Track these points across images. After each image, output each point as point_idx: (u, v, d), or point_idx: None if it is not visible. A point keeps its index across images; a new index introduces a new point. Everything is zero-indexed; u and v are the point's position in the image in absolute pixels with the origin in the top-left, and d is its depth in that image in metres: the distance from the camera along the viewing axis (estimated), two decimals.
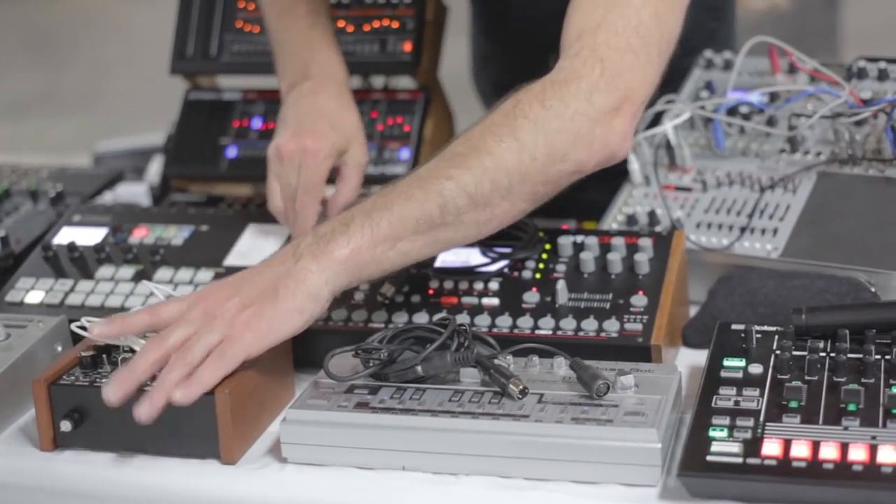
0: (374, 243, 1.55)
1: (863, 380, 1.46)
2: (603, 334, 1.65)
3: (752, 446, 1.36)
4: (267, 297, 1.53)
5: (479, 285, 1.75)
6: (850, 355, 1.50)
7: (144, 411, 1.45)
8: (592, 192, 2.07)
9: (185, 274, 1.85)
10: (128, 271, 1.87)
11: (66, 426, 1.52)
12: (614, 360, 1.54)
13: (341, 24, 2.20)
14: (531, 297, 1.71)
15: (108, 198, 2.21)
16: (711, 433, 1.39)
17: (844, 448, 1.34)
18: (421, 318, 1.71)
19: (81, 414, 1.53)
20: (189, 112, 2.28)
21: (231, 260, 1.87)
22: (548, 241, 1.80)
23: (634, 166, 1.98)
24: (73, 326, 1.62)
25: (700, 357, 1.62)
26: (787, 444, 1.36)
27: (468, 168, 1.58)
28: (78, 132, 6.32)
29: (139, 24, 7.85)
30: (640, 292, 1.69)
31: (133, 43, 7.72)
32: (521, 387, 1.47)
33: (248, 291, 1.54)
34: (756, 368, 1.51)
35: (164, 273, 1.86)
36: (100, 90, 7.36)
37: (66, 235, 1.96)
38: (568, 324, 1.66)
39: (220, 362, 1.49)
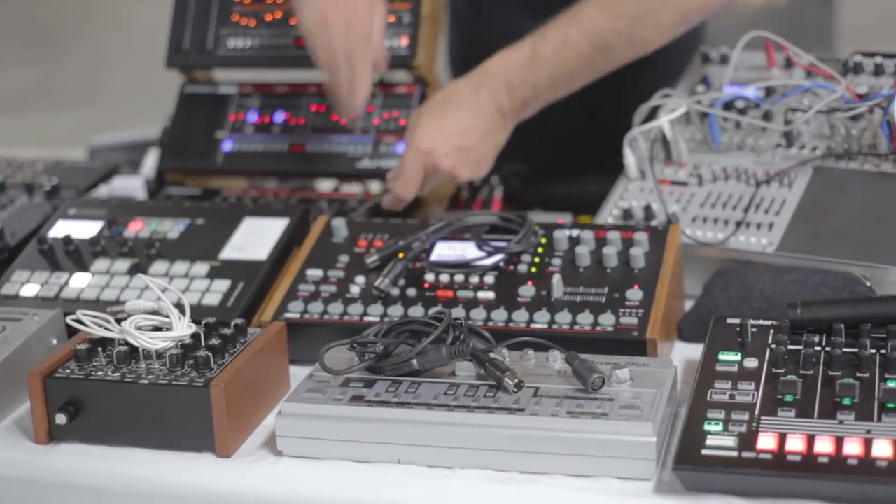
0: (556, 91, 1.98)
1: (858, 374, 1.46)
2: (598, 328, 1.64)
3: (747, 440, 1.37)
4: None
5: (474, 279, 1.75)
6: (845, 349, 1.50)
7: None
8: (588, 186, 2.08)
9: (180, 267, 1.85)
10: (123, 265, 1.87)
11: (61, 419, 1.52)
12: (610, 354, 1.54)
13: None
14: (527, 290, 1.71)
15: (103, 191, 2.21)
16: (706, 427, 1.39)
17: (839, 442, 1.35)
18: (416, 311, 1.71)
19: (76, 407, 1.53)
20: (185, 106, 2.28)
21: (226, 253, 1.87)
22: (543, 235, 1.80)
23: (630, 160, 1.98)
24: (69, 319, 1.62)
25: (695, 351, 1.62)
26: (782, 438, 1.36)
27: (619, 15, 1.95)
28: (75, 126, 6.31)
29: (136, 18, 7.83)
30: (636, 286, 1.69)
31: (130, 37, 7.70)
32: (516, 380, 1.47)
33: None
34: (751, 362, 1.51)
35: (159, 266, 1.86)
36: (97, 84, 7.35)
37: (61, 228, 1.96)
38: (563, 317, 1.66)
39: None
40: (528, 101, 1.97)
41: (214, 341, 1.57)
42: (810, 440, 1.35)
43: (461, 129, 1.95)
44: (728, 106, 1.96)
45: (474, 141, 1.95)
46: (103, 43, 8.08)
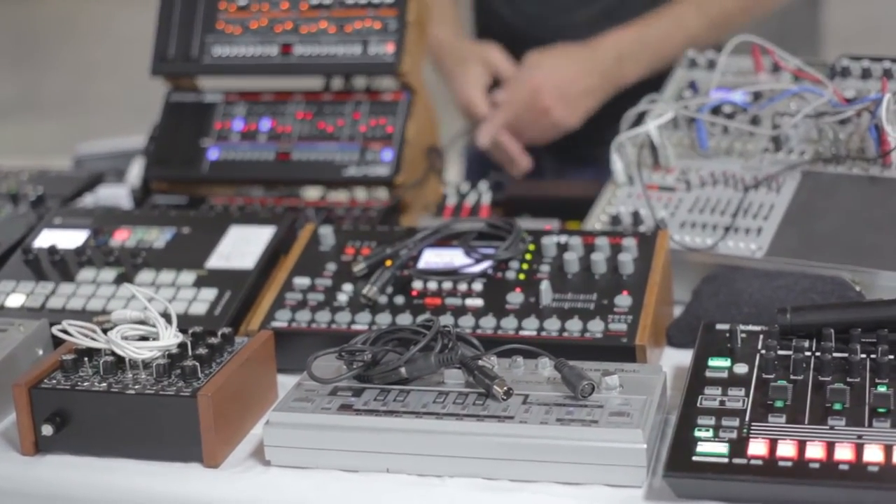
0: (651, 69, 2.37)
1: (848, 379, 1.46)
2: (587, 335, 1.64)
3: (738, 446, 1.36)
4: None
5: (462, 286, 1.74)
6: (835, 354, 1.50)
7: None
8: (576, 191, 2.08)
9: (166, 276, 1.84)
10: (109, 274, 1.86)
11: (47, 430, 1.51)
12: (599, 361, 1.54)
13: (323, 25, 2.20)
14: (515, 297, 1.71)
15: (88, 200, 2.20)
16: (697, 433, 1.39)
17: (830, 448, 1.34)
18: (404, 319, 1.70)
19: (63, 418, 1.52)
20: (170, 114, 2.27)
21: (213, 262, 1.86)
22: (531, 241, 1.80)
23: (618, 166, 1.98)
24: (55, 330, 1.61)
25: (685, 357, 1.61)
26: (772, 444, 1.36)
27: None
28: (60, 135, 6.30)
29: (122, 26, 7.83)
30: (625, 292, 1.69)
31: (116, 45, 7.70)
32: (505, 388, 1.46)
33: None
34: (741, 368, 1.50)
35: (145, 276, 1.85)
36: (82, 93, 7.35)
37: (46, 238, 1.95)
38: (552, 324, 1.66)
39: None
40: (627, 74, 2.35)
41: (201, 351, 1.56)
42: (801, 446, 1.35)
43: (570, 77, 2.32)
44: (715, 111, 1.96)
45: (576, 92, 2.32)
46: (88, 51, 8.08)
